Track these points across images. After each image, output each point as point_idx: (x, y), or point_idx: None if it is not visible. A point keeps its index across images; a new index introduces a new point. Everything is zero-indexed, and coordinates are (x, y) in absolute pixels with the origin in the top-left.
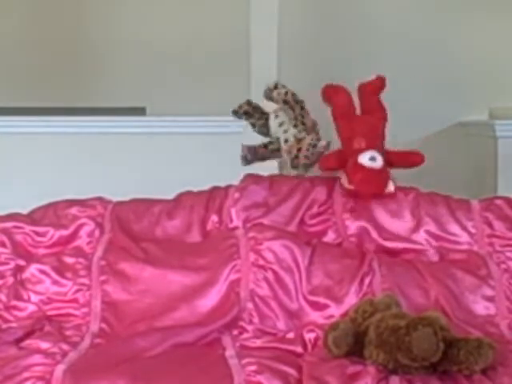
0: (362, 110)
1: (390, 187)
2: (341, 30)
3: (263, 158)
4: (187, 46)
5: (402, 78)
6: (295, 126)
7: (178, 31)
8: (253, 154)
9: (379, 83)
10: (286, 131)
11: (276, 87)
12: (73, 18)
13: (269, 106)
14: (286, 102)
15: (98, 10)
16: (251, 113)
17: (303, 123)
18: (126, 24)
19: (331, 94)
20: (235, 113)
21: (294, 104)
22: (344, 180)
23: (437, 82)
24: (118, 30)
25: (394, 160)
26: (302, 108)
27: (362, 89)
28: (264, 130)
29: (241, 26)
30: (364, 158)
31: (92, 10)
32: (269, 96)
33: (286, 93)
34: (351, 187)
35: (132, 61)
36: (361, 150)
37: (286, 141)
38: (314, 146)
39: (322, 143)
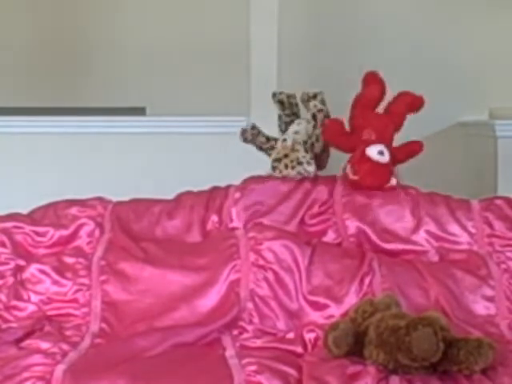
0: (385, 110)
1: (393, 181)
2: (341, 30)
3: (259, 147)
4: (187, 46)
5: (401, 78)
6: (305, 142)
7: (178, 31)
8: (253, 136)
9: (418, 103)
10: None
11: (315, 97)
12: (73, 19)
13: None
14: (314, 117)
15: (98, 10)
16: (285, 106)
17: (312, 144)
18: (126, 24)
19: (369, 81)
20: (273, 96)
21: (319, 125)
22: (349, 170)
23: (437, 82)
24: (117, 30)
25: (398, 155)
26: None
27: (402, 96)
28: (283, 127)
29: (241, 26)
30: (372, 151)
31: (92, 11)
32: (304, 101)
33: (320, 110)
34: (355, 178)
35: (132, 61)
36: (370, 142)
37: (284, 140)
38: (300, 163)
39: (311, 169)
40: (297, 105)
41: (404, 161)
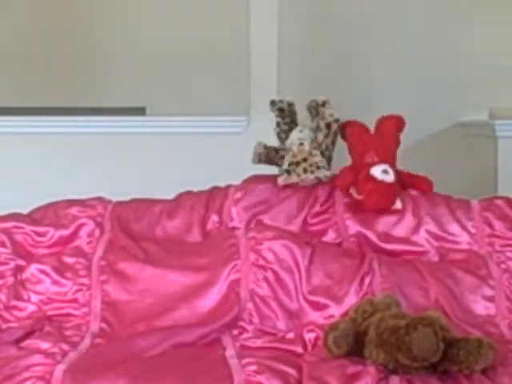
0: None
1: (398, 204)
2: (341, 31)
3: (271, 162)
4: (187, 46)
5: (402, 79)
6: (315, 148)
7: (178, 31)
8: (266, 155)
9: (402, 123)
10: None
11: (324, 105)
12: (73, 18)
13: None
14: (328, 126)
15: (98, 10)
16: (285, 114)
17: (322, 153)
18: (127, 24)
19: (347, 124)
20: (272, 103)
21: (332, 134)
22: (353, 190)
23: (437, 81)
24: (117, 30)
25: (402, 182)
26: (333, 143)
27: (388, 119)
28: (283, 135)
29: (241, 27)
30: (377, 171)
31: (92, 11)
32: (313, 108)
33: (336, 121)
34: (360, 197)
35: (132, 61)
36: (373, 164)
37: (301, 144)
38: (319, 168)
39: (327, 173)
40: (295, 113)
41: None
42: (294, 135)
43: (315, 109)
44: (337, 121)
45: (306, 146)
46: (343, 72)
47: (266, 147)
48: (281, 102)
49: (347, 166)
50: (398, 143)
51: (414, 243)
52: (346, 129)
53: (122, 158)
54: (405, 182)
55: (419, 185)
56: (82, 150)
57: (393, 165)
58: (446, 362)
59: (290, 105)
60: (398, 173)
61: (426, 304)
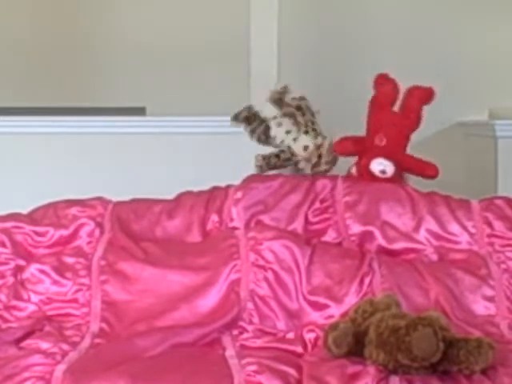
0: (400, 107)
1: None
2: (341, 31)
3: (275, 167)
4: (187, 46)
5: (402, 79)
6: (306, 132)
7: (178, 31)
8: (267, 164)
9: (429, 95)
10: (295, 139)
11: (285, 91)
12: (73, 18)
13: (267, 111)
14: (299, 107)
15: (98, 10)
16: (251, 119)
17: (314, 129)
18: (126, 24)
19: (381, 81)
20: (235, 118)
21: (305, 110)
22: (354, 171)
23: (437, 81)
24: (117, 30)
25: (409, 166)
26: (313, 114)
27: (411, 91)
28: (263, 137)
29: (241, 27)
30: (376, 168)
31: (92, 10)
32: (277, 99)
33: (301, 98)
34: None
35: (132, 61)
36: (379, 150)
37: (306, 148)
38: (331, 145)
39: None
40: (258, 113)
41: (412, 174)
42: (278, 131)
43: (279, 100)
44: (301, 98)
45: (311, 147)
46: (343, 72)
47: (264, 158)
48: (240, 113)
49: (353, 138)
50: (418, 119)
51: (415, 240)
52: (378, 84)
53: (122, 158)
54: (409, 167)
55: (424, 171)
56: (82, 149)
57: (401, 149)
58: (446, 362)
59: (250, 109)
60: (405, 157)
61: (426, 304)
